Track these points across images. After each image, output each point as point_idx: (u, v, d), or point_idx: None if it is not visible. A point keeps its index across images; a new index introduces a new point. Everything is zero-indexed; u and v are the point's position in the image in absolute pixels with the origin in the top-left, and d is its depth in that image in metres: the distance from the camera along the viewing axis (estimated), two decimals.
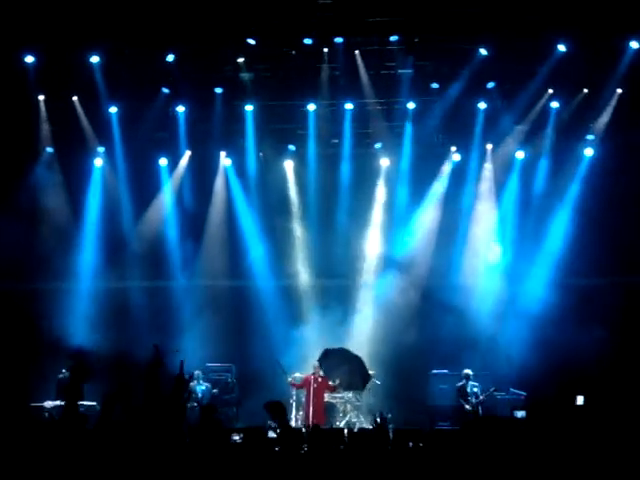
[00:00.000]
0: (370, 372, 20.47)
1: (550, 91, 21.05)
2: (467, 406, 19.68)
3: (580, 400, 18.82)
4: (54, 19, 19.93)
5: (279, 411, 7.60)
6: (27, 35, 20.09)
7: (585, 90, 20.94)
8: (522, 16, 19.55)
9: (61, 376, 19.67)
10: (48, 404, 18.91)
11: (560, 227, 22.05)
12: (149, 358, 7.77)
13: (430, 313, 21.89)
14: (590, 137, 21.66)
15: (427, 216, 22.66)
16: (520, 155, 22.13)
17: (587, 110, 21.22)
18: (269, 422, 18.72)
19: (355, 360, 20.23)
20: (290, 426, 11.53)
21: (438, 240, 22.42)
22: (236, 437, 10.96)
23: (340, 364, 20.19)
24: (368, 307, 22.50)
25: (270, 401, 7.51)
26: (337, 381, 20.04)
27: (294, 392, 20.42)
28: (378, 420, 7.74)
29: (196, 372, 20.55)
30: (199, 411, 20.28)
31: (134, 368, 19.73)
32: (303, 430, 18.94)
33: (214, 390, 20.77)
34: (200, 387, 20.49)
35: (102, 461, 6.85)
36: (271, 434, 12.98)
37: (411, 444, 13.20)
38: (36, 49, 20.46)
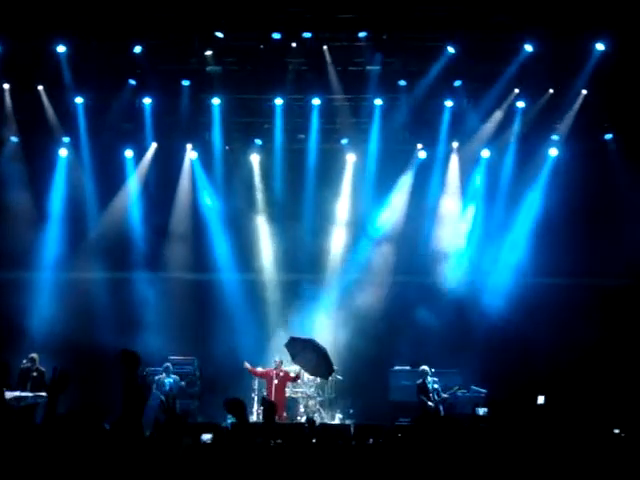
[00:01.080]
0: (334, 367, 20.51)
1: (516, 91, 21.14)
2: (430, 403, 19.72)
3: (541, 400, 18.95)
4: (21, 7, 19.76)
5: (238, 409, 7.57)
6: None
7: (551, 90, 21.05)
8: (490, 15, 19.61)
9: (23, 366, 19.55)
10: (8, 394, 18.75)
11: (523, 226, 22.20)
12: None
13: (395, 309, 21.98)
14: (555, 137, 21.81)
15: (392, 212, 22.73)
16: (486, 154, 22.25)
17: (552, 110, 21.34)
18: (229, 418, 18.87)
19: (321, 350, 20.24)
20: (249, 423, 11.51)
21: (403, 237, 22.50)
22: (206, 437, 10.94)
23: (305, 351, 20.19)
24: (332, 302, 22.52)
25: (229, 398, 7.46)
26: (302, 365, 20.05)
27: (256, 386, 20.43)
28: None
29: (165, 364, 20.56)
30: (164, 405, 20.35)
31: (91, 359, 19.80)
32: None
33: (182, 382, 20.75)
34: (168, 380, 20.47)
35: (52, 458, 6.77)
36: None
37: (371, 440, 13.27)
38: (1, 37, 20.26)
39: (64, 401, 16.92)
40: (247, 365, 20.20)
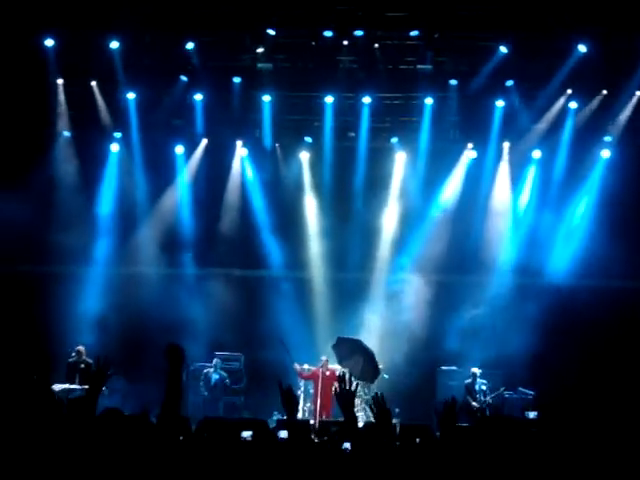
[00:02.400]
0: (379, 366, 20.47)
1: (569, 91, 20.96)
2: (474, 403, 19.65)
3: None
4: (75, 2, 19.96)
5: (289, 402, 7.47)
6: (47, 18, 20.10)
7: (604, 91, 20.85)
8: (543, 15, 19.47)
9: (71, 360, 19.75)
10: (57, 387, 18.97)
11: (577, 227, 22.02)
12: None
13: (442, 308, 21.88)
14: (607, 139, 21.58)
15: (442, 211, 22.64)
16: (537, 154, 22.08)
17: (605, 111, 21.13)
18: (275, 415, 18.90)
19: (367, 353, 20.19)
20: (296, 420, 11.49)
21: (452, 236, 22.38)
22: (246, 434, 10.92)
23: (352, 353, 20.15)
24: (381, 301, 22.48)
25: (283, 388, 7.26)
26: (347, 369, 20.04)
27: (302, 383, 20.44)
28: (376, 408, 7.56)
29: (215, 360, 20.67)
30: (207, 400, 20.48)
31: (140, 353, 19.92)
32: (311, 422, 19.13)
33: (227, 381, 20.84)
34: (215, 376, 20.58)
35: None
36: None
37: (418, 440, 13.17)
38: (56, 33, 20.45)
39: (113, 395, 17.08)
40: (297, 367, 20.19)
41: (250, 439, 9.31)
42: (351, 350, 20.08)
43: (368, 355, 20.10)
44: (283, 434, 11.90)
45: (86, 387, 18.00)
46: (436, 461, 7.49)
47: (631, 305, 21.23)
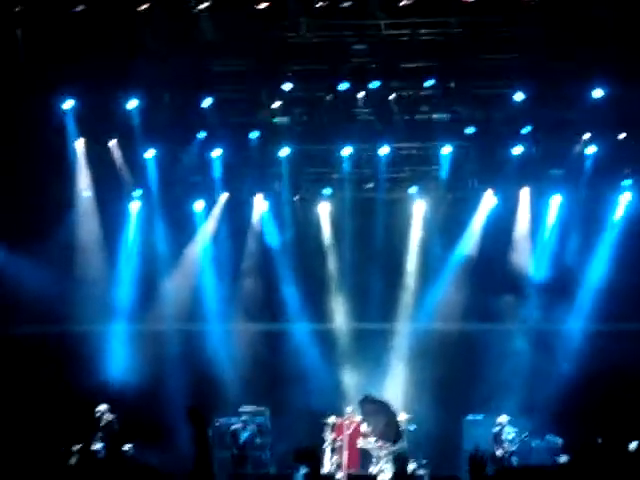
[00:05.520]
0: (406, 416, 20.33)
1: (586, 136, 20.94)
2: (498, 452, 19.49)
3: (634, 445, 18.43)
4: (92, 64, 20.15)
5: (311, 458, 7.41)
6: (65, 79, 20.30)
7: (622, 135, 20.81)
8: (557, 61, 19.51)
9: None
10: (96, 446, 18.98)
11: (596, 270, 21.92)
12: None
13: (466, 356, 21.76)
14: (626, 183, 21.51)
15: (462, 258, 22.59)
16: (557, 199, 22.04)
17: (624, 156, 21.09)
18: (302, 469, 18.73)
19: (391, 415, 20.09)
20: (321, 474, 11.43)
21: (474, 283, 22.31)
22: None
23: (378, 413, 20.08)
24: (404, 351, 22.39)
25: (300, 447, 7.26)
26: (371, 428, 19.92)
27: (327, 437, 20.29)
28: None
29: (243, 417, 20.57)
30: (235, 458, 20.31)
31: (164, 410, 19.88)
32: (338, 476, 18.99)
33: (257, 439, 20.68)
34: (245, 433, 20.46)
35: None
36: None
37: None
38: (74, 93, 20.64)
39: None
40: (331, 419, 20.15)
41: None
42: (375, 410, 20.01)
43: (391, 418, 20.00)
44: None
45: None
46: None
47: None
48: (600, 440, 18.17)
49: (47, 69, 19.91)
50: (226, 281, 22.72)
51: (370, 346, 22.19)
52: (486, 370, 21.19)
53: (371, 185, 22.43)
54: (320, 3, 18.38)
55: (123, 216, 22.59)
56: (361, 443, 20.14)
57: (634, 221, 21.67)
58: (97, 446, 19.06)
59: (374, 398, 20.26)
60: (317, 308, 22.80)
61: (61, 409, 20.32)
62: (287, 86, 20.35)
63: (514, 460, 19.56)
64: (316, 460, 7.41)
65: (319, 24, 19.07)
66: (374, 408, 20.03)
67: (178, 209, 22.34)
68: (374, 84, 20.32)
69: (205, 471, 6.80)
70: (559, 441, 20.08)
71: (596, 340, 21.26)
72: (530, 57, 19.42)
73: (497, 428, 19.90)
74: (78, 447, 18.19)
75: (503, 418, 19.95)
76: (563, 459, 18.44)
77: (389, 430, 19.83)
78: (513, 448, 19.64)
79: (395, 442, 19.87)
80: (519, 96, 20.10)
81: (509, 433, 19.83)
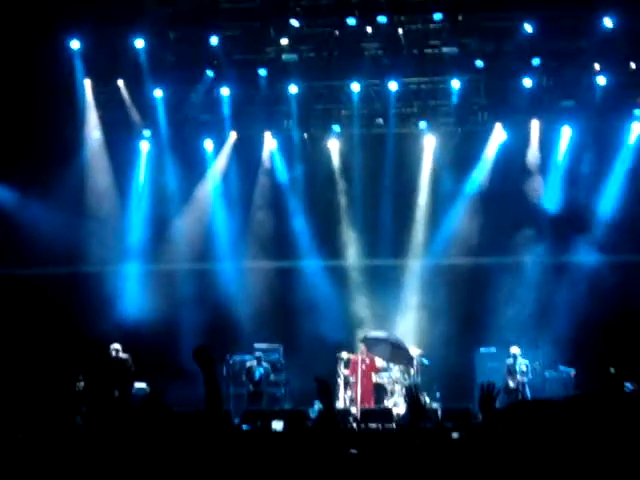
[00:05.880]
0: (418, 351, 20.48)
1: (597, 66, 20.79)
2: (511, 383, 19.67)
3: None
4: (98, 3, 20.08)
5: (325, 392, 7.47)
6: (72, 19, 20.23)
7: (633, 65, 20.65)
8: None
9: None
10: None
11: (608, 201, 21.88)
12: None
13: (478, 290, 21.82)
14: (637, 112, 21.40)
15: (472, 194, 22.56)
16: (567, 131, 21.95)
17: (635, 84, 20.96)
18: (316, 404, 18.94)
19: (392, 340, 20.24)
20: (335, 409, 11.54)
21: (484, 219, 22.29)
22: (277, 425, 10.93)
23: (380, 342, 20.23)
24: (415, 287, 22.47)
25: (320, 378, 7.27)
26: (381, 357, 20.11)
27: (342, 372, 20.47)
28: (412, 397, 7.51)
29: (257, 353, 20.73)
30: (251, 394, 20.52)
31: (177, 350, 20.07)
32: (352, 411, 19.20)
33: (271, 375, 20.86)
34: (259, 369, 20.61)
35: None
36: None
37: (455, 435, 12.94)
38: (81, 33, 20.58)
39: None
40: (344, 355, 20.32)
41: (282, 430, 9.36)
42: (377, 341, 20.15)
43: (394, 341, 20.12)
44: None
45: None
46: (476, 449, 7.44)
47: None
48: (613, 370, 18.35)
49: (53, 10, 19.85)
50: (237, 219, 22.76)
51: (382, 281, 22.24)
52: (498, 304, 21.23)
53: (380, 121, 22.34)
54: None
55: (133, 156, 22.63)
56: (375, 378, 20.32)
57: None
58: (110, 385, 19.31)
59: (371, 336, 20.40)
60: (329, 244, 22.84)
61: (74, 350, 20.45)
62: (295, 22, 20.23)
63: (527, 391, 19.71)
64: (329, 394, 7.44)
65: None
66: (375, 341, 20.19)
67: (188, 148, 22.35)
68: (382, 18, 20.20)
69: (216, 411, 6.82)
70: (572, 371, 20.21)
71: (609, 272, 21.26)
72: None
73: (510, 360, 20.02)
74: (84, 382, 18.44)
75: (515, 349, 20.05)
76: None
77: (399, 353, 19.98)
78: (526, 379, 19.78)
79: (409, 363, 20.04)
80: (528, 27, 19.95)
81: (522, 364, 19.95)
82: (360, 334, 20.58)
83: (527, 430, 7.02)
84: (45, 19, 19.97)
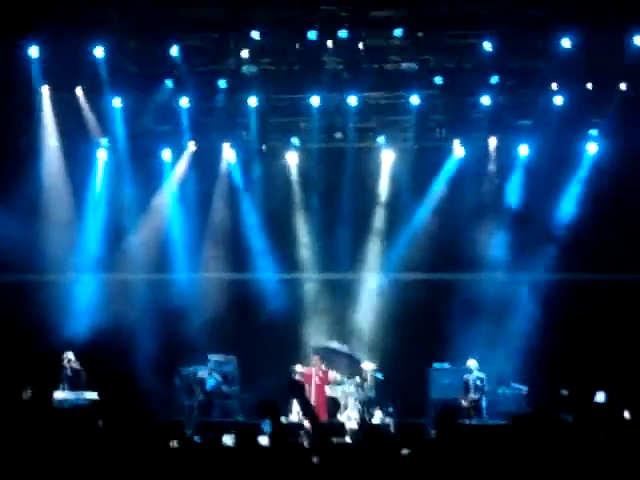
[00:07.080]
0: (372, 365, 20.50)
1: (554, 86, 20.97)
2: (464, 402, 19.74)
3: (601, 397, 18.60)
4: (58, 11, 19.96)
5: (271, 410, 7.50)
6: (30, 26, 20.11)
7: (589, 85, 20.87)
8: (526, 10, 19.54)
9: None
10: (58, 395, 19.00)
11: (563, 220, 22.07)
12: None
13: (433, 306, 21.91)
14: (593, 132, 21.62)
15: (430, 210, 22.66)
16: (524, 150, 22.10)
17: (591, 105, 21.18)
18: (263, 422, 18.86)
19: (349, 354, 20.31)
20: (283, 425, 11.49)
21: (441, 234, 22.40)
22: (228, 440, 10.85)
23: (335, 354, 20.28)
24: (370, 301, 22.52)
25: (261, 401, 7.34)
26: (335, 369, 20.17)
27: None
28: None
29: (209, 364, 20.63)
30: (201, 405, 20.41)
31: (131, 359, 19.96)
32: (305, 425, 19.12)
33: (223, 387, 20.78)
34: (210, 380, 20.52)
35: None
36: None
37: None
38: (40, 41, 20.45)
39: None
40: (298, 368, 20.29)
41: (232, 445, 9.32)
42: (332, 353, 20.21)
43: (346, 353, 20.22)
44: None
45: (80, 394, 18.36)
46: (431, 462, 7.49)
47: (620, 298, 21.32)
48: (565, 392, 18.44)
49: (12, 15, 19.72)
50: (194, 230, 22.67)
51: (338, 295, 22.30)
52: (454, 319, 21.33)
53: (339, 135, 22.37)
54: None
55: (90, 165, 22.46)
56: (328, 391, 20.30)
57: (600, 171, 21.76)
58: (63, 394, 19.12)
59: (324, 345, 20.46)
60: (285, 257, 22.83)
61: (25, 359, 20.25)
62: (255, 34, 20.25)
63: (484, 404, 19.78)
64: (275, 412, 7.47)
65: None
66: (328, 351, 20.25)
67: (146, 158, 22.22)
68: (343, 33, 20.28)
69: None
70: (524, 389, 20.32)
71: (563, 290, 21.47)
72: (499, 5, 19.43)
73: (466, 375, 20.05)
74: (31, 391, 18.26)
75: (472, 362, 20.09)
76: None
77: (351, 365, 20.07)
78: (481, 395, 19.84)
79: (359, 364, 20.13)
80: (488, 46, 20.11)
81: (477, 379, 20.00)
82: (313, 343, 20.54)
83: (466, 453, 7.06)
84: (3, 25, 19.81)
